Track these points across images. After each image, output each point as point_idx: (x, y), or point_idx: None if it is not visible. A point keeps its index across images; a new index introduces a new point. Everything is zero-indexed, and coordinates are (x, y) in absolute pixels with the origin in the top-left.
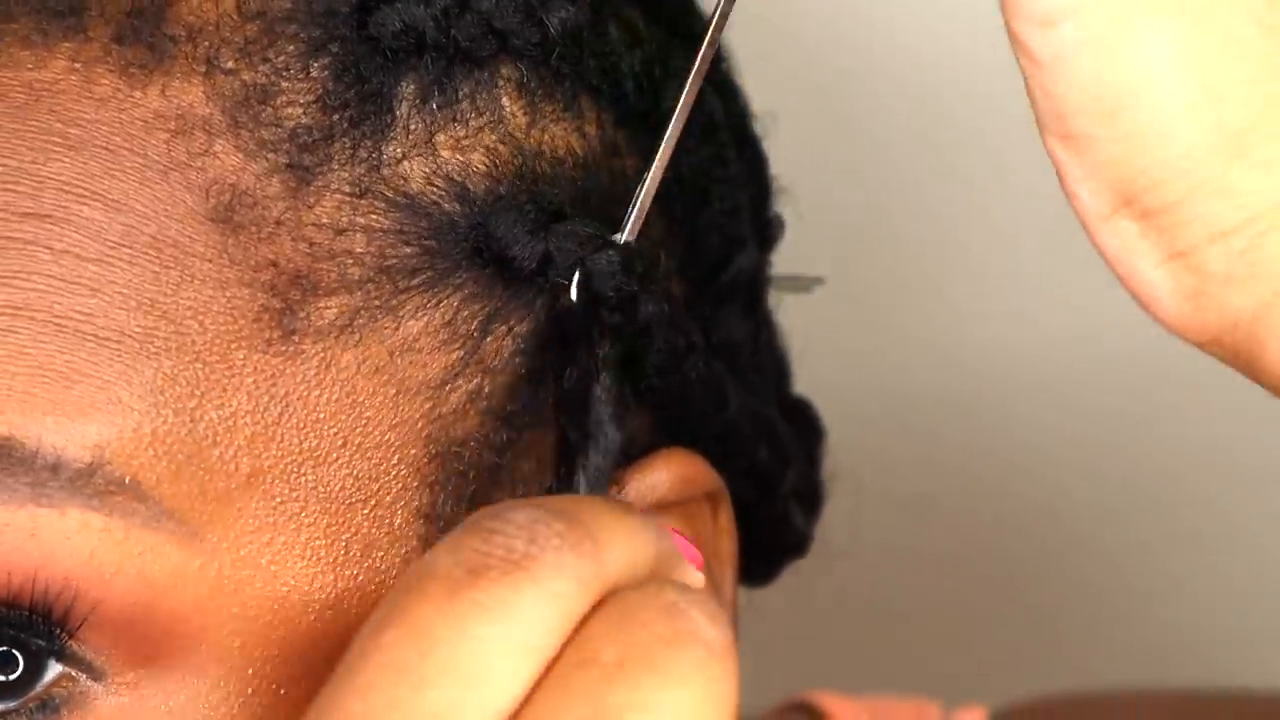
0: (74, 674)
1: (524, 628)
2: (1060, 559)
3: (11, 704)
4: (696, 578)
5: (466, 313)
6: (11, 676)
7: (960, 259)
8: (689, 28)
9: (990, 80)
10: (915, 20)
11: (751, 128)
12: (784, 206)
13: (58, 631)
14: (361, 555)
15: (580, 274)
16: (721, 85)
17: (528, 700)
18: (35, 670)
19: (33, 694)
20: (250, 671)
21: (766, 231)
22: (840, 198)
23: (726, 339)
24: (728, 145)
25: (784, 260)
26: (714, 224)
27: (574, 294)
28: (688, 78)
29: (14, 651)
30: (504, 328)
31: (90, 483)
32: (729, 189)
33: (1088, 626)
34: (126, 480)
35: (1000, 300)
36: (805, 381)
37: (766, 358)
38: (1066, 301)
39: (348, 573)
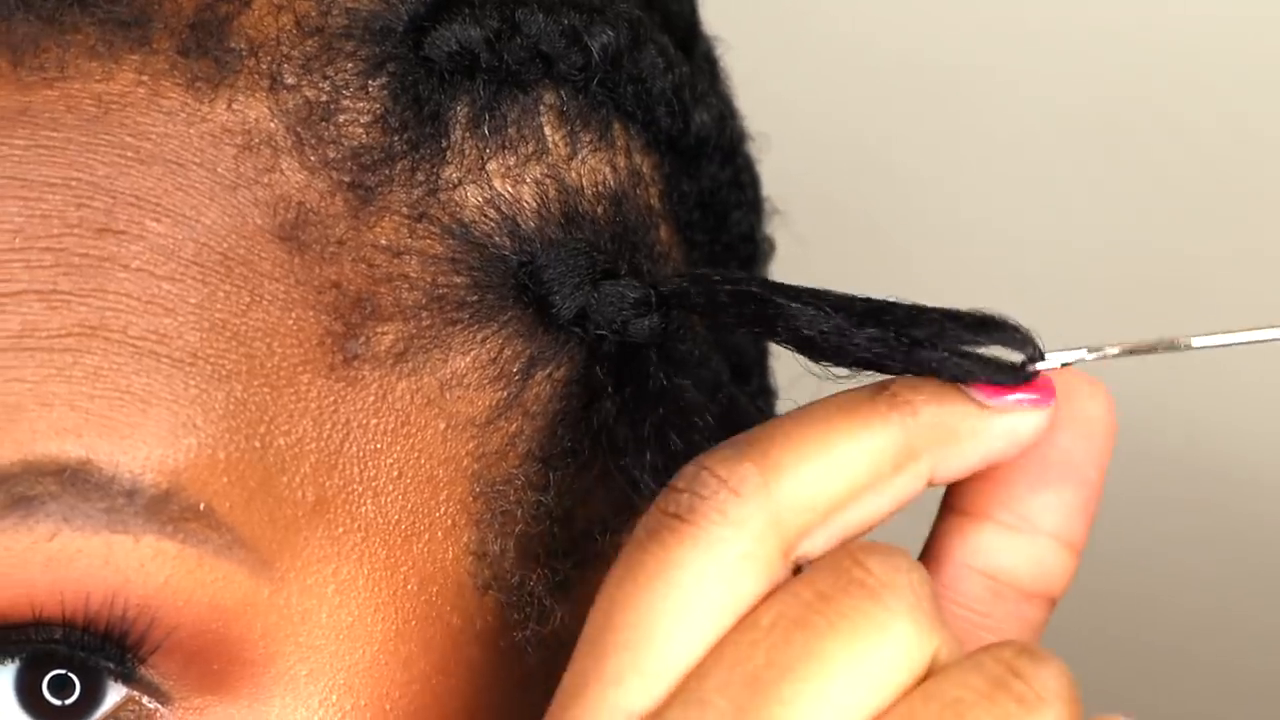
0: (140, 698)
1: (680, 584)
2: None
3: None
4: None
5: (510, 352)
6: (68, 701)
7: (957, 263)
8: (697, 48)
9: (989, 88)
10: (917, 30)
11: (747, 149)
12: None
13: (129, 656)
14: (419, 589)
15: (620, 331)
16: (729, 107)
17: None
18: (94, 694)
19: (96, 718)
20: (316, 701)
21: (762, 252)
22: (838, 209)
23: (739, 364)
24: (744, 168)
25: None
26: (731, 249)
27: (612, 350)
28: (716, 101)
29: (70, 675)
30: (544, 373)
31: (165, 509)
32: (744, 213)
33: (1084, 630)
34: (201, 507)
35: (996, 301)
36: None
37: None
38: (1064, 301)
39: (407, 605)
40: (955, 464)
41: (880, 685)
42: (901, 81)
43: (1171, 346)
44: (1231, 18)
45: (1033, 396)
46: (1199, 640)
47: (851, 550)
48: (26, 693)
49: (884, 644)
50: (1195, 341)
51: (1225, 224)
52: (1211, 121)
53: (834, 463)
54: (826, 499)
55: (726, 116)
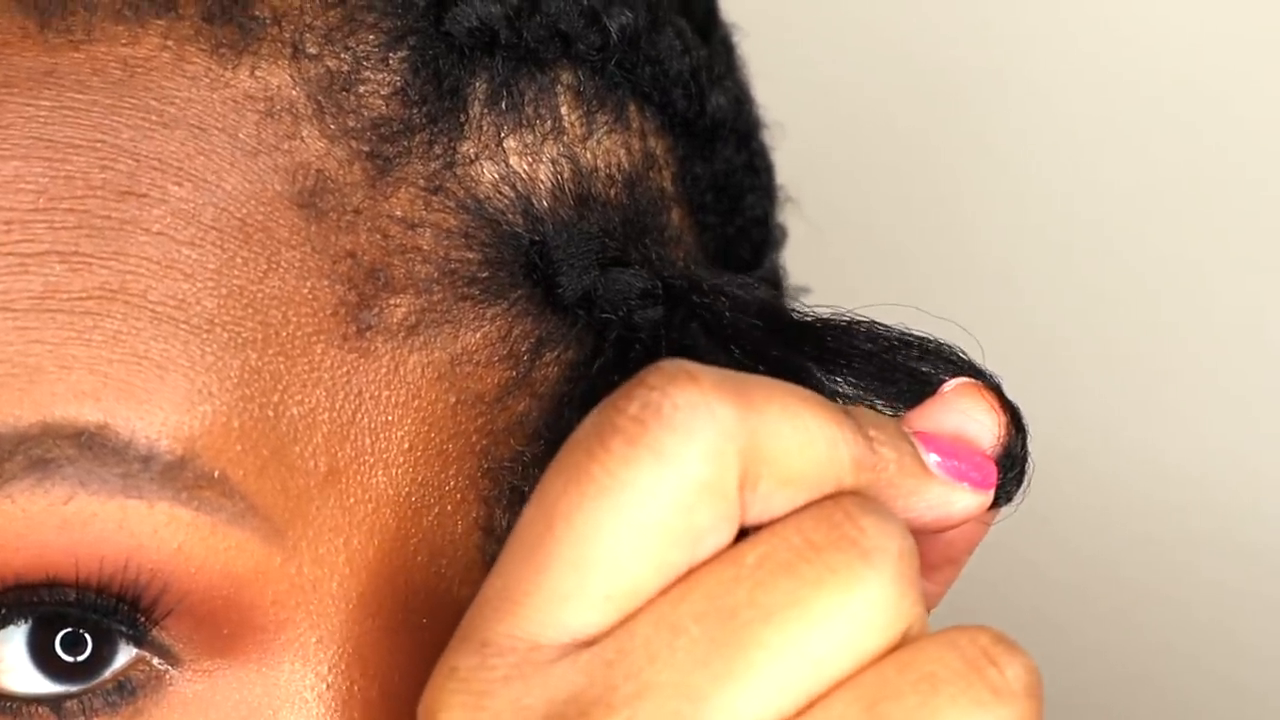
0: (150, 659)
1: (634, 505)
2: (1055, 562)
3: (82, 685)
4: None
5: (519, 331)
6: (80, 658)
7: (958, 264)
8: (714, 33)
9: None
10: (921, 27)
11: (763, 136)
12: (793, 215)
13: (142, 619)
14: (428, 562)
15: (625, 319)
16: (745, 92)
17: (660, 593)
18: (105, 653)
19: (107, 677)
20: (326, 668)
21: (774, 239)
22: (842, 205)
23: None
24: (759, 153)
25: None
26: (744, 233)
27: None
28: (732, 85)
29: (83, 633)
30: (553, 354)
31: (180, 476)
32: (758, 198)
33: (1079, 631)
34: (216, 475)
35: (994, 299)
36: None
37: None
38: (1062, 302)
39: (417, 577)
40: None
41: (856, 646)
42: (900, 77)
43: None
44: (1234, 18)
45: (977, 476)
46: (1184, 657)
47: (845, 505)
48: (39, 649)
49: (868, 606)
50: None
51: (1227, 226)
52: (1215, 122)
53: (807, 436)
54: (789, 464)
55: (743, 101)
